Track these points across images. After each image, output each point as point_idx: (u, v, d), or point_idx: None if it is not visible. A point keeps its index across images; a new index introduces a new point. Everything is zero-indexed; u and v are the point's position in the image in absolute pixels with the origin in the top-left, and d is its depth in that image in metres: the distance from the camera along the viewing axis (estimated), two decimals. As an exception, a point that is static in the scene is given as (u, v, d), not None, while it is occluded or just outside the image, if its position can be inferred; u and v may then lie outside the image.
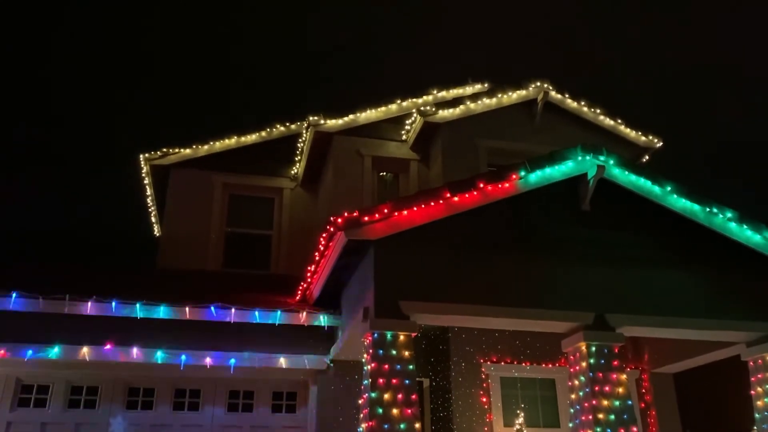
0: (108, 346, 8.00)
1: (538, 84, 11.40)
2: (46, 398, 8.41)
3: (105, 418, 8.37)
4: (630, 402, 7.25)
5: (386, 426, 6.46)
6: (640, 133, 11.93)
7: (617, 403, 7.13)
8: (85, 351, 7.92)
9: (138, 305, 8.13)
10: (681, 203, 8.06)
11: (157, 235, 13.91)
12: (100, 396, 8.54)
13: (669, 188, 8.02)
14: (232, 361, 8.29)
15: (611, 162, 7.93)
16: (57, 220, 27.56)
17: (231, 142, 12.28)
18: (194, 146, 12.16)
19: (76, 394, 8.52)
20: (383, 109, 11.68)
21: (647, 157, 12.20)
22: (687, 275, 7.97)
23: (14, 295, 7.89)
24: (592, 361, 7.28)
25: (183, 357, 8.17)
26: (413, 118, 11.33)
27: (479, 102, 11.22)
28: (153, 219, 13.91)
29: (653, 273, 7.87)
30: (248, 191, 12.46)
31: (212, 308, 8.34)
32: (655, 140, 11.98)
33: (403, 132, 11.62)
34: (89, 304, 8.03)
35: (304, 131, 11.79)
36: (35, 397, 8.39)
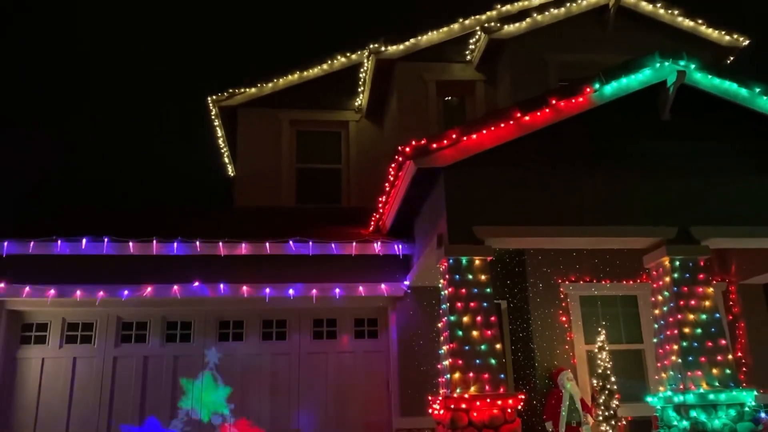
0: (196, 283, 8.45)
1: (610, -13, 10.71)
2: (145, 334, 9.02)
3: (200, 350, 8.93)
4: (718, 315, 7.07)
5: (467, 348, 6.58)
6: (723, 32, 11.09)
7: (704, 316, 6.96)
8: (175, 288, 8.41)
9: (221, 243, 8.49)
10: (772, 105, 7.53)
11: (232, 175, 14.29)
12: (194, 330, 9.08)
13: (758, 89, 7.49)
14: (313, 291, 8.60)
15: (692, 66, 7.44)
16: (126, 165, 28.56)
17: (294, 77, 12.25)
18: (259, 85, 12.23)
19: (171, 329, 9.09)
20: (445, 29, 11.30)
21: (732, 59, 11.39)
22: (778, 182, 7.53)
23: (106, 240, 8.37)
24: (676, 275, 7.09)
25: (267, 290, 8.54)
26: (477, 37, 10.93)
27: (546, 13, 10.68)
28: (226, 159, 14.26)
29: (739, 181, 7.48)
30: (315, 126, 12.52)
31: (291, 243, 8.60)
32: (741, 39, 11.12)
33: (467, 52, 11.25)
34: (175, 244, 8.46)
35: (365, 60, 11.62)
36: (135, 333, 9.02)
